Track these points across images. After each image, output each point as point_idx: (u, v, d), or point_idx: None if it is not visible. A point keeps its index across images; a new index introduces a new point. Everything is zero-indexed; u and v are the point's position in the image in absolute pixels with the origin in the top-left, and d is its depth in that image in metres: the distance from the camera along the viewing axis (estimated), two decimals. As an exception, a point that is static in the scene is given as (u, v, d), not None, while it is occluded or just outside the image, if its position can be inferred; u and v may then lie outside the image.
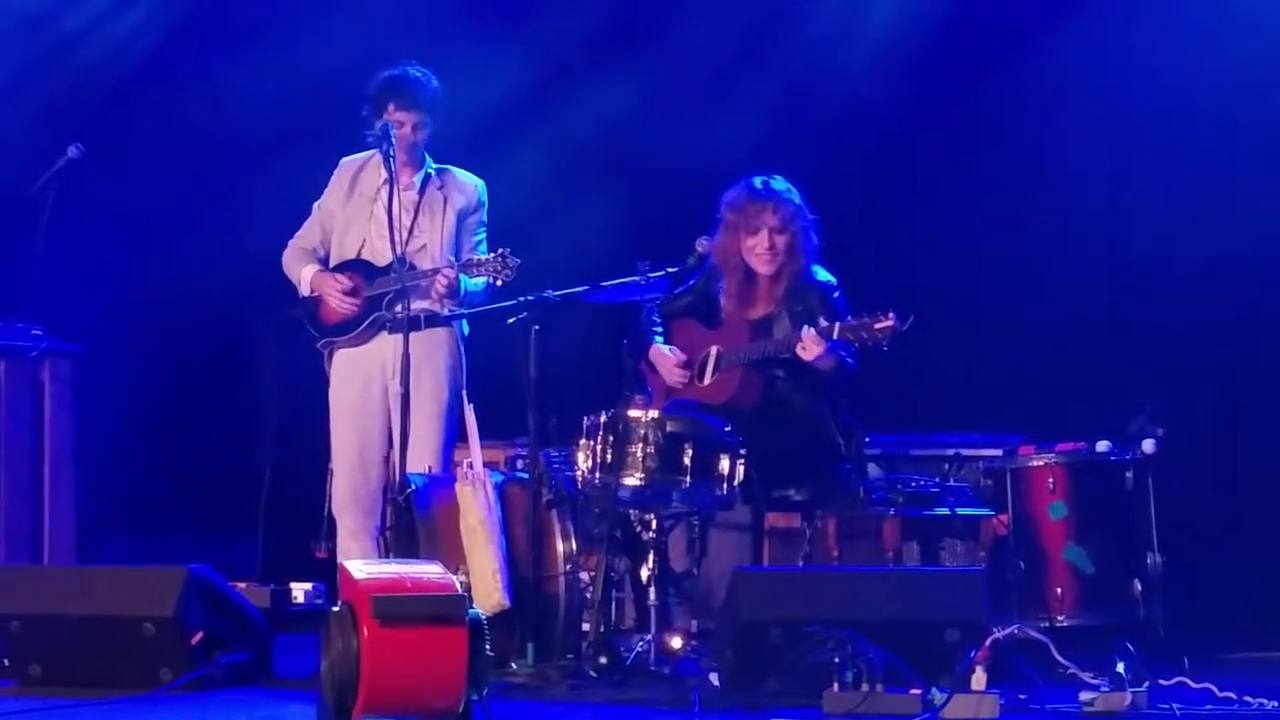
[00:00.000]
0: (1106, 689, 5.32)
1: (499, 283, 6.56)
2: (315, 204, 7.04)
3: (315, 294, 6.88)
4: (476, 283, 6.70)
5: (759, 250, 6.69)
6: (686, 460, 6.13)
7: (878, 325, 6.23)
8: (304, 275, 6.92)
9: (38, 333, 7.47)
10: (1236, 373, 7.79)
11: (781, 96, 8.74)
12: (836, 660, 5.35)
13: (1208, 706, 5.30)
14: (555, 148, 8.60)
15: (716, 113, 8.73)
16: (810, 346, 6.33)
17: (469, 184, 6.93)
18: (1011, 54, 8.57)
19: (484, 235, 6.91)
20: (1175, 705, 5.27)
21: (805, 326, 6.39)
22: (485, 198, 6.95)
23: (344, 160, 7.00)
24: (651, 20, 8.94)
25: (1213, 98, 8.23)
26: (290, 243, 7.03)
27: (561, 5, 8.86)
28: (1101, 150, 8.49)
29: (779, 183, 6.76)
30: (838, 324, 6.33)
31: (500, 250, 6.60)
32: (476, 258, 6.69)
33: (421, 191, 6.85)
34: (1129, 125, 8.39)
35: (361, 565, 4.75)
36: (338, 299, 6.79)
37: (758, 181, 6.75)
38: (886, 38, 8.77)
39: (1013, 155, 8.50)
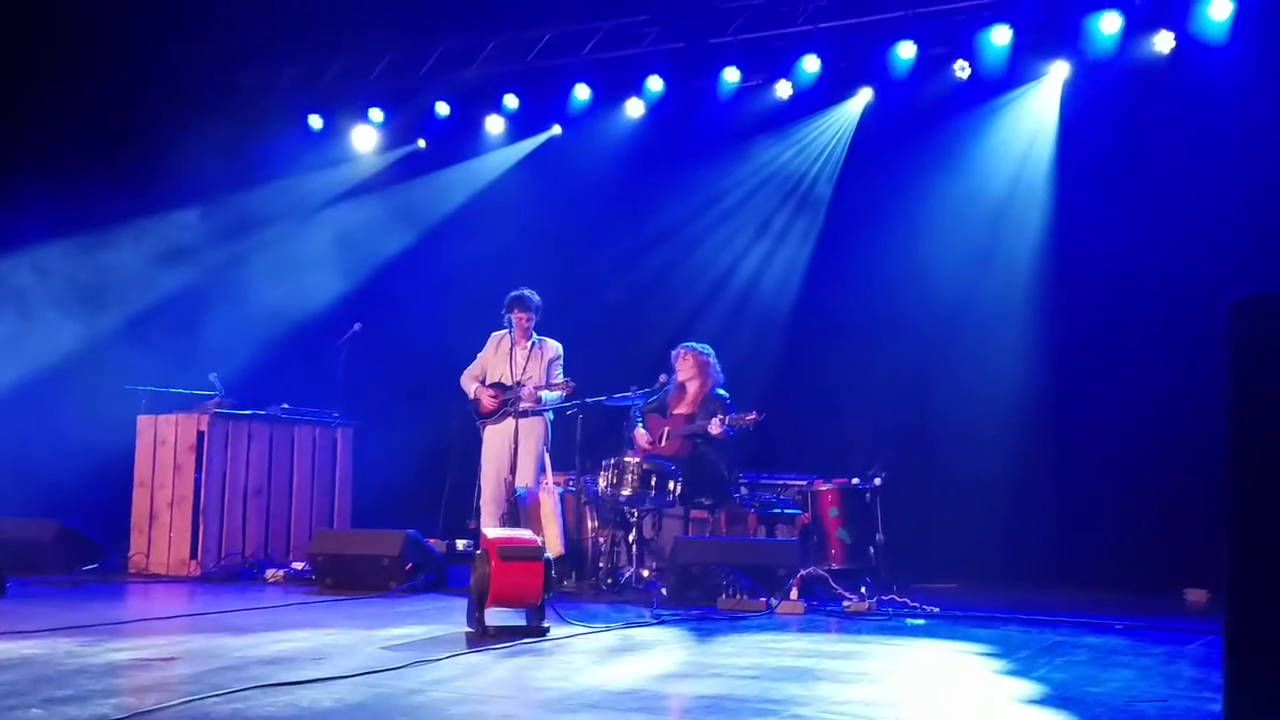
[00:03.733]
0: (856, 601, 5.35)
1: (566, 393, 6.44)
2: (479, 354, 6.86)
3: (476, 399, 6.75)
4: (555, 394, 6.53)
5: (677, 373, 6.65)
6: (653, 483, 6.12)
7: (748, 417, 6.24)
8: (471, 389, 6.77)
9: (336, 414, 7.48)
10: (923, 440, 7.26)
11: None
12: (724, 583, 5.39)
13: (904, 610, 5.31)
14: (589, 323, 7.80)
15: (679, 303, 8.14)
16: (715, 428, 6.32)
17: (553, 346, 6.77)
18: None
19: (561, 369, 6.70)
20: (889, 610, 5.30)
21: (712, 418, 6.36)
22: (561, 353, 6.76)
23: (494, 334, 6.84)
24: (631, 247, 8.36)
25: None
26: (466, 371, 6.84)
27: (585, 258, 8.33)
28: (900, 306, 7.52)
29: (696, 344, 6.70)
30: (729, 416, 6.31)
31: (566, 378, 6.53)
32: (556, 381, 6.54)
33: (529, 351, 6.70)
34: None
35: (492, 531, 4.76)
36: (488, 401, 6.67)
37: (685, 344, 6.71)
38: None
39: (819, 313, 7.80)
